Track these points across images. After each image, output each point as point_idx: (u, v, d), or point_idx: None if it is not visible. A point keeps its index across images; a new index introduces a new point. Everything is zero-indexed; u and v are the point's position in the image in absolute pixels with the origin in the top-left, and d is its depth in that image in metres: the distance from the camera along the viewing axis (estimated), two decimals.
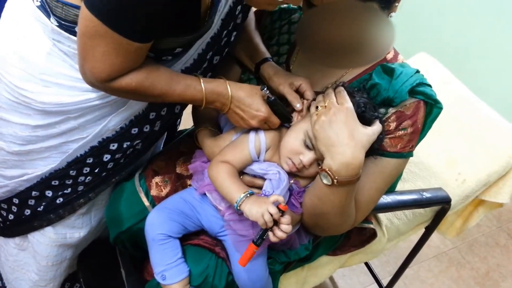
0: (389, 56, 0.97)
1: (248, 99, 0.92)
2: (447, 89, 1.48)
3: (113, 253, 1.17)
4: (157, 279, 0.95)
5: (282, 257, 1.00)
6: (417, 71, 0.92)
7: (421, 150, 1.33)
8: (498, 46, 2.26)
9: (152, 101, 0.97)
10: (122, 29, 0.75)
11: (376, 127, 0.85)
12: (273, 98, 0.92)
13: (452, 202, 1.22)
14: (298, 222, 0.97)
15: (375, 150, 0.89)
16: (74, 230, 1.15)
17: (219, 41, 0.98)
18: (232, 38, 1.01)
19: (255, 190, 0.91)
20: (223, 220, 0.95)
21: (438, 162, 1.36)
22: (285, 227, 0.82)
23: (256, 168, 0.92)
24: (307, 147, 0.88)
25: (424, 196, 1.17)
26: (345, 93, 0.86)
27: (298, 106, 0.94)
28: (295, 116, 0.95)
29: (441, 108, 0.94)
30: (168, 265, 0.93)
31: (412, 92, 0.89)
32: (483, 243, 2.06)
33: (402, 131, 0.91)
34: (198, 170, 1.02)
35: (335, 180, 0.82)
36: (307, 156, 0.87)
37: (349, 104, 0.84)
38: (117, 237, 1.08)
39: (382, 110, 0.91)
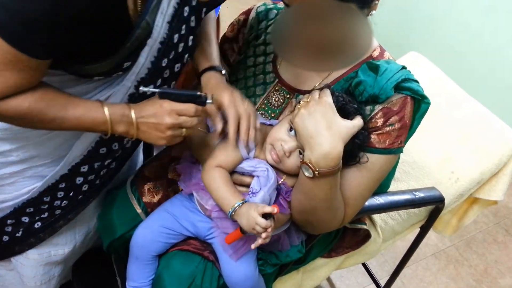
0: (375, 53, 0.97)
1: (148, 106, 0.85)
2: (438, 87, 1.48)
3: (108, 261, 1.17)
4: None
5: (273, 259, 1.00)
6: (403, 67, 0.92)
7: (414, 149, 1.34)
8: (488, 44, 2.27)
9: (44, 128, 0.85)
10: (19, 43, 0.67)
11: (357, 121, 0.86)
12: (160, 90, 0.85)
13: (446, 201, 1.21)
14: (287, 222, 0.97)
15: (362, 147, 0.89)
16: (58, 247, 1.11)
17: (173, 47, 0.89)
18: (190, 43, 0.93)
19: (244, 189, 0.92)
20: (211, 219, 0.95)
21: (431, 161, 1.36)
22: (265, 235, 0.83)
23: (245, 165, 0.92)
24: (289, 135, 0.89)
25: (417, 196, 1.16)
26: (328, 91, 0.87)
27: (218, 126, 0.90)
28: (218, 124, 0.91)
29: (428, 103, 0.94)
30: (141, 283, 1.00)
31: (398, 88, 0.89)
32: (480, 240, 2.06)
33: (390, 127, 0.91)
34: (186, 170, 1.02)
35: (316, 172, 0.82)
36: (289, 143, 0.88)
37: (328, 98, 0.85)
38: (110, 245, 1.08)
39: (368, 107, 0.91)
